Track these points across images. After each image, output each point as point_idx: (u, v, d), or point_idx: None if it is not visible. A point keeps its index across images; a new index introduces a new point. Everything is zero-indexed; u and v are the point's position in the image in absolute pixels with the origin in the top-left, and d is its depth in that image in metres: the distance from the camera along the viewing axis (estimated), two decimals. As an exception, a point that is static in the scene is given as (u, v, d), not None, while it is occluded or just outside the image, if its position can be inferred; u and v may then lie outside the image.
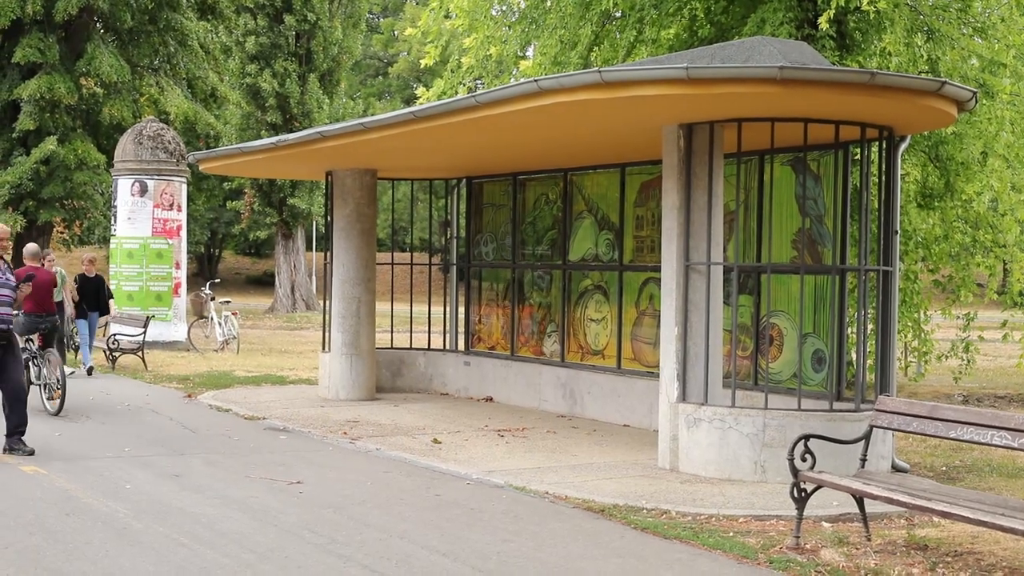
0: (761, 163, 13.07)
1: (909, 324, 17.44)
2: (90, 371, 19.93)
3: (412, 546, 8.17)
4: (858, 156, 12.27)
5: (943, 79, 10.79)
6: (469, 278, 18.56)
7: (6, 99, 31.30)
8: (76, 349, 21.52)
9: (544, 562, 7.83)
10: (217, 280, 40.70)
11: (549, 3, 18.29)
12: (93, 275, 20.59)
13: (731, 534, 8.71)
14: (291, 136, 15.71)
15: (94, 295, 20.43)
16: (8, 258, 12.39)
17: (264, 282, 63.52)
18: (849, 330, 13.20)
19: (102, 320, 21.43)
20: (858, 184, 12.47)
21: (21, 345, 13.42)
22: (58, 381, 14.85)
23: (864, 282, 11.69)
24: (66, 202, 32.21)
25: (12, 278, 12.10)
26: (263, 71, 42.74)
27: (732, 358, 11.85)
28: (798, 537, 8.35)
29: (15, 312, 12.36)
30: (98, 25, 33.00)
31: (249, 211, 46.65)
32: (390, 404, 16.57)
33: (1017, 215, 17.02)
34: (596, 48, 17.84)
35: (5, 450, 11.79)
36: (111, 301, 21.10)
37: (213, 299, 28.59)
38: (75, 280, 20.42)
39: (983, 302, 19.19)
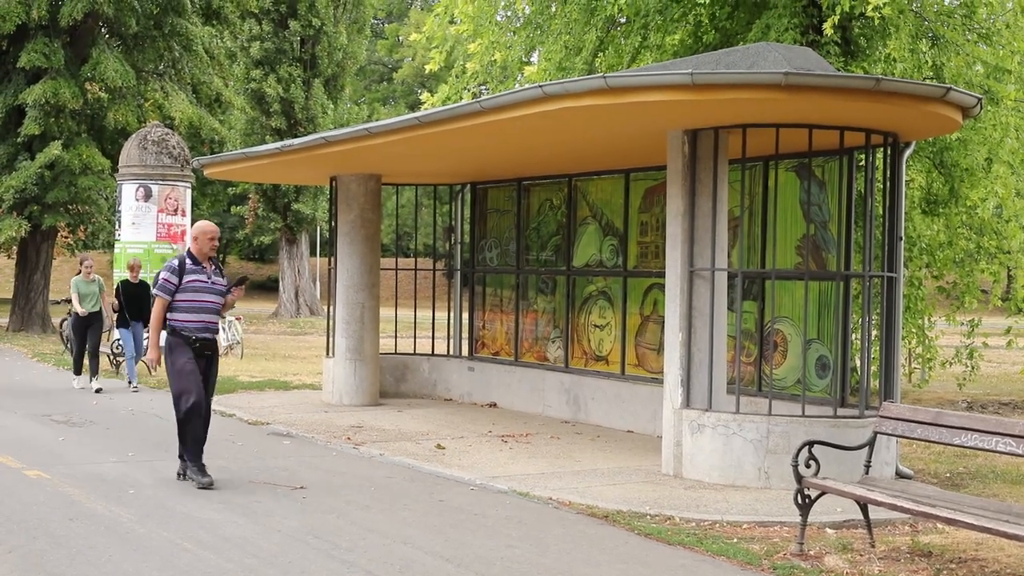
0: (765, 169, 13.07)
1: (913, 330, 17.42)
2: (134, 387, 18.83)
3: (416, 551, 8.16)
4: (863, 162, 12.26)
5: (948, 85, 10.79)
6: (473, 284, 18.56)
7: (11, 104, 31.33)
8: (118, 364, 21.49)
9: (548, 568, 7.83)
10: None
11: (554, 9, 18.30)
12: (138, 282, 19.16)
13: (735, 540, 8.71)
14: (296, 141, 15.72)
15: (138, 303, 18.82)
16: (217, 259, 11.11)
17: (268, 287, 63.57)
18: (853, 336, 13.18)
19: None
20: (862, 190, 12.46)
21: None
22: None
23: (868, 288, 11.68)
24: (70, 207, 32.21)
25: (222, 281, 10.82)
26: (268, 76, 42.81)
27: (736, 364, 11.83)
28: (802, 543, 8.34)
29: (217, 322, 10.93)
30: (103, 30, 33.02)
31: (253, 216, 46.69)
32: (394, 409, 16.56)
33: (1021, 221, 17.02)
34: (601, 54, 17.84)
35: (180, 475, 10.72)
36: None
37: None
38: (118, 287, 19.14)
39: (987, 308, 19.19)
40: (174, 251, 25.43)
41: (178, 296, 10.52)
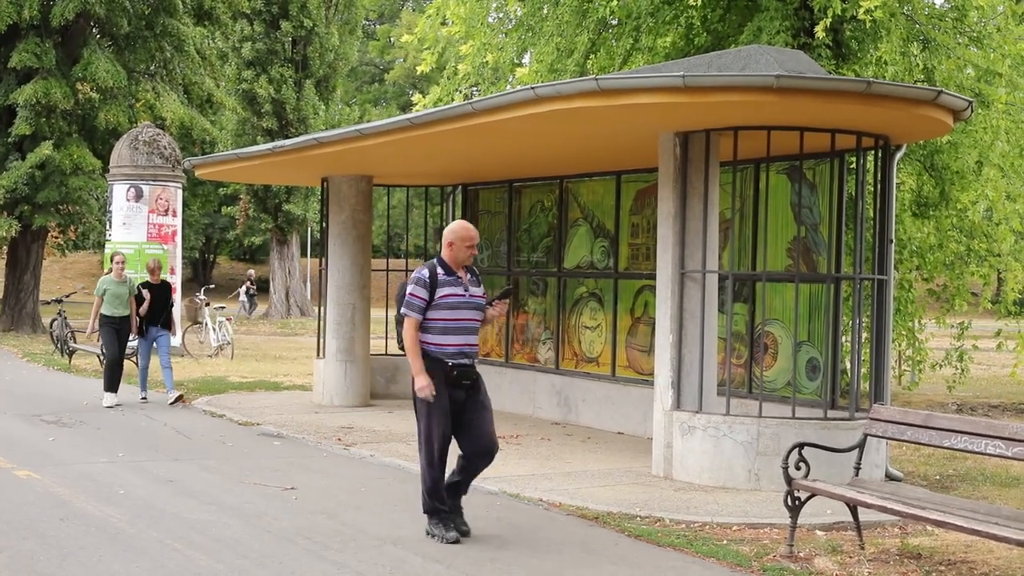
0: (757, 171, 13.08)
1: (903, 333, 17.45)
2: (143, 398, 17.04)
3: (406, 552, 8.16)
4: (854, 165, 12.29)
5: (939, 88, 10.81)
6: (464, 285, 18.52)
7: (2, 104, 31.25)
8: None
9: (538, 569, 7.83)
10: (212, 286, 40.68)
11: (546, 11, 18.30)
12: (159, 283, 17.23)
13: (725, 542, 8.71)
14: (287, 142, 15.71)
15: (160, 307, 17.03)
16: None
17: (259, 288, 63.49)
18: (843, 338, 13.20)
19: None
20: (853, 193, 12.49)
21: None
22: None
23: (859, 291, 11.70)
24: (61, 207, 32.16)
25: (481, 293, 8.90)
26: (259, 77, 42.78)
27: (727, 366, 11.85)
28: (792, 545, 8.35)
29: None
30: (94, 30, 32.95)
31: (244, 217, 46.64)
32: (384, 411, 16.56)
33: (1012, 224, 17.05)
34: (592, 56, 17.85)
35: (428, 513, 8.78)
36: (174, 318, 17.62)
37: (207, 304, 28.58)
38: (138, 290, 17.00)
39: (977, 311, 19.22)
40: (165, 251, 25.39)
41: (429, 314, 8.63)
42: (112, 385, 16.67)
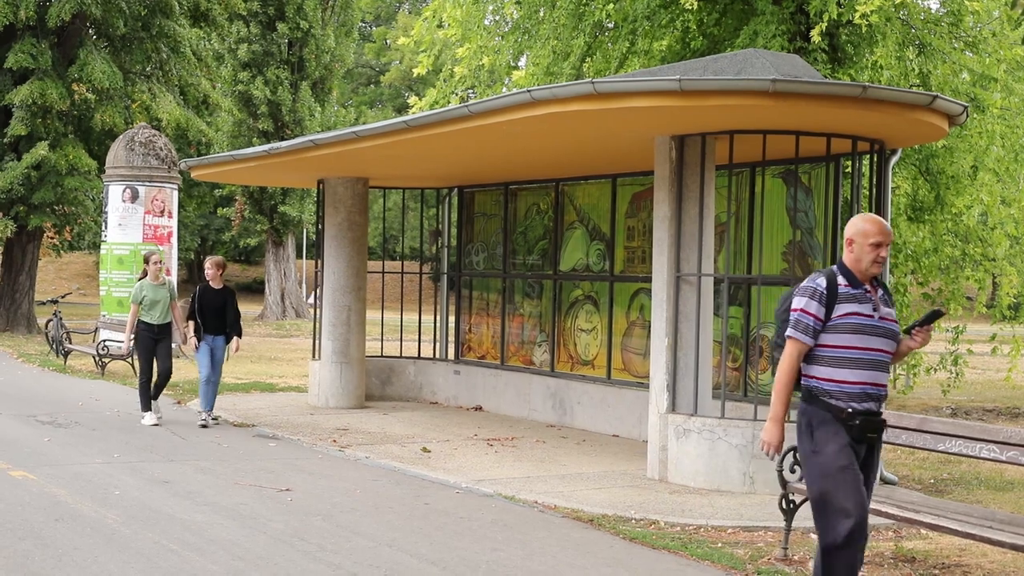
0: (752, 175, 13.11)
1: (898, 337, 17.46)
2: (205, 424, 14.71)
3: (401, 554, 8.17)
4: (849, 169, 12.31)
5: (934, 93, 10.83)
6: (460, 287, 18.57)
7: (-2, 104, 31.31)
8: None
9: (533, 571, 7.84)
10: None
11: (542, 14, 18.33)
12: (221, 287, 14.99)
13: (719, 545, 8.73)
14: (283, 144, 15.72)
15: (219, 314, 14.84)
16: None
17: (254, 289, 63.49)
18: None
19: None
20: (849, 197, 12.51)
21: None
22: None
23: (854, 295, 11.69)
24: (57, 208, 32.15)
25: (894, 315, 6.56)
26: (255, 78, 42.76)
27: (722, 369, 11.87)
28: (786, 548, 8.37)
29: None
30: (91, 31, 32.93)
31: (240, 218, 46.61)
32: (379, 412, 16.56)
33: (1007, 229, 17.10)
34: (588, 59, 17.88)
35: None
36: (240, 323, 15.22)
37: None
38: (194, 295, 14.98)
39: (972, 315, 19.27)
40: (160, 252, 25.33)
41: (823, 338, 6.44)
42: (148, 403, 14.86)
